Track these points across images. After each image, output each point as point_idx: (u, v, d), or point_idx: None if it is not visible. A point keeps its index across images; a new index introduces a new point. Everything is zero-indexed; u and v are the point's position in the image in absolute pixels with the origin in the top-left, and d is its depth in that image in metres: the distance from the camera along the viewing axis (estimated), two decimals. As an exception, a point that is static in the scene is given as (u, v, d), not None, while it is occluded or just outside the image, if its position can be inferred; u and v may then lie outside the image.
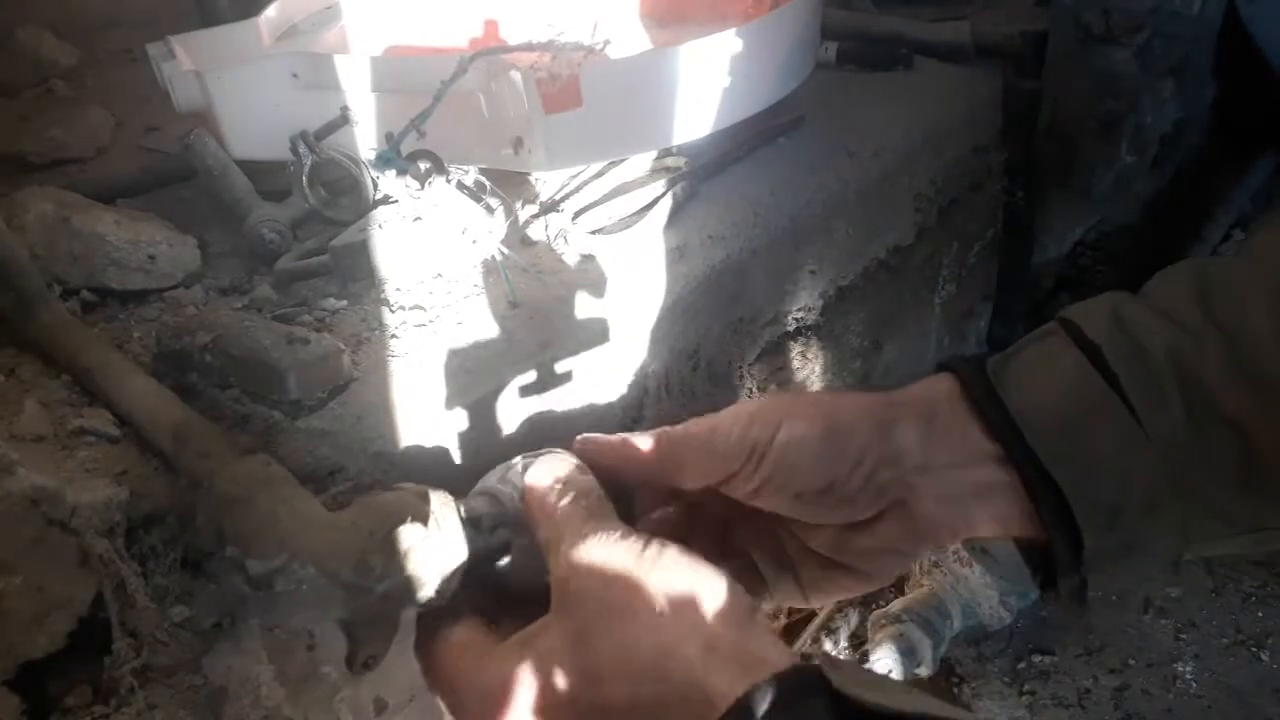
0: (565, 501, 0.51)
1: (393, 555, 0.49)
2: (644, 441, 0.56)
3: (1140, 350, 0.51)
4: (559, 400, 0.73)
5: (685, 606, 0.44)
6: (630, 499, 0.58)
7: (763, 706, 0.38)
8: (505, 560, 0.54)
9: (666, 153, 0.91)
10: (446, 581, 0.51)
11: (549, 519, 0.51)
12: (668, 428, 0.56)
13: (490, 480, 0.56)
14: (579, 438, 0.57)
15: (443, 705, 0.50)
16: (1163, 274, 0.57)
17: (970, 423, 0.53)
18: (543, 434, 0.72)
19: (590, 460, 0.55)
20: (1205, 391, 0.50)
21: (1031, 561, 0.55)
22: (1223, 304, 0.51)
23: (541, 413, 0.73)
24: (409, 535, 0.50)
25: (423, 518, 0.51)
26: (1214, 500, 0.52)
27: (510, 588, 0.54)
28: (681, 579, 0.45)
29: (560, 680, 0.45)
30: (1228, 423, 0.50)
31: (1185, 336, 0.51)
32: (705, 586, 0.45)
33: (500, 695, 0.46)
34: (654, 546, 0.46)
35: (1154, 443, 0.51)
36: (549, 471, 0.53)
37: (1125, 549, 0.52)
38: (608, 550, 0.47)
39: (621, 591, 0.45)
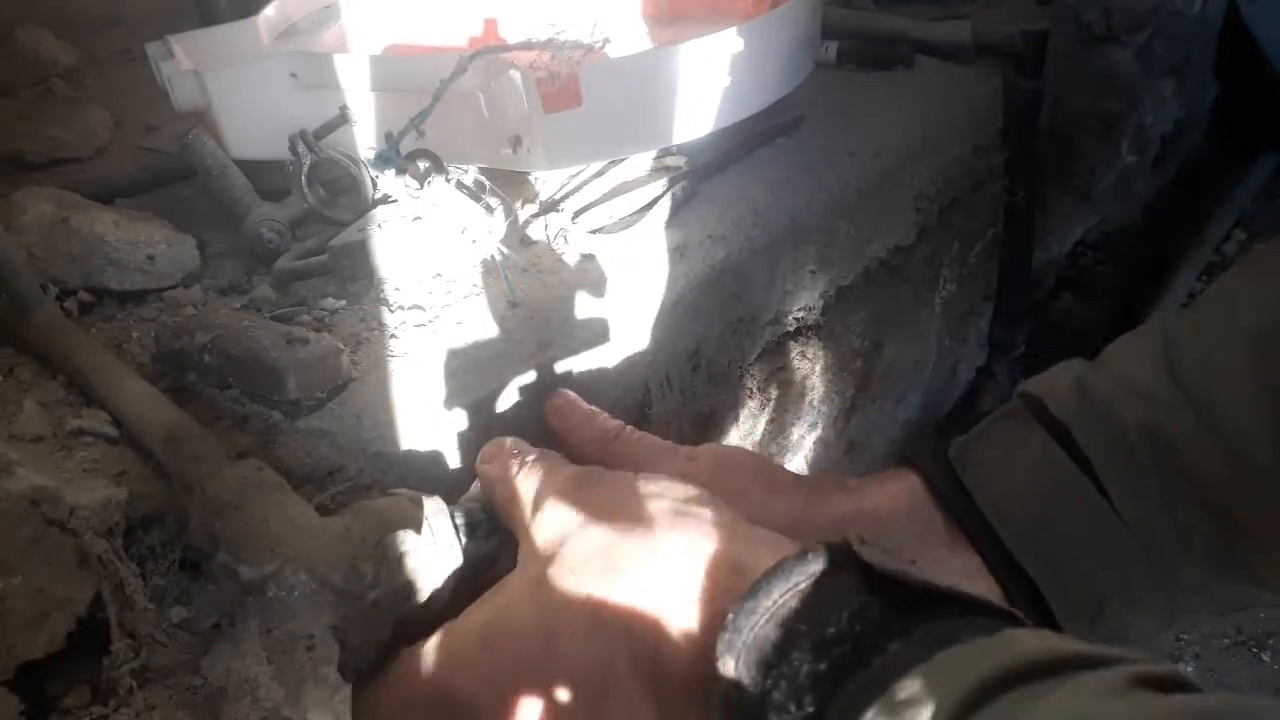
0: (534, 461, 0.51)
1: (384, 562, 0.49)
2: (608, 426, 0.55)
3: (1110, 430, 0.49)
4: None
5: (690, 504, 0.43)
6: None
7: (793, 575, 0.36)
8: (499, 567, 0.54)
9: (666, 152, 0.91)
10: (439, 589, 0.51)
11: (516, 482, 0.50)
12: (629, 429, 0.56)
13: None
14: (553, 392, 0.56)
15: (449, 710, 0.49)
16: (1124, 340, 0.54)
17: (935, 530, 0.51)
18: (542, 435, 0.72)
19: (556, 416, 0.56)
20: (1181, 470, 0.48)
21: None
22: (1193, 374, 0.49)
23: (541, 413, 0.72)
24: (401, 542, 0.50)
25: (415, 524, 0.50)
26: (1197, 582, 0.50)
27: None
28: (675, 486, 0.44)
29: (564, 593, 0.42)
30: (1206, 502, 0.48)
31: (1155, 411, 0.49)
32: (698, 492, 0.44)
33: (488, 638, 0.44)
34: (650, 475, 0.46)
35: (1132, 530, 0.49)
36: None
37: (1108, 640, 0.51)
38: (598, 473, 0.47)
39: (628, 500, 0.44)
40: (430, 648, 0.48)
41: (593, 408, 0.57)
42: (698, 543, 0.41)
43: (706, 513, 0.42)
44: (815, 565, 0.37)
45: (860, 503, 0.53)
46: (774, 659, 0.35)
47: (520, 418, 0.71)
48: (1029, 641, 0.32)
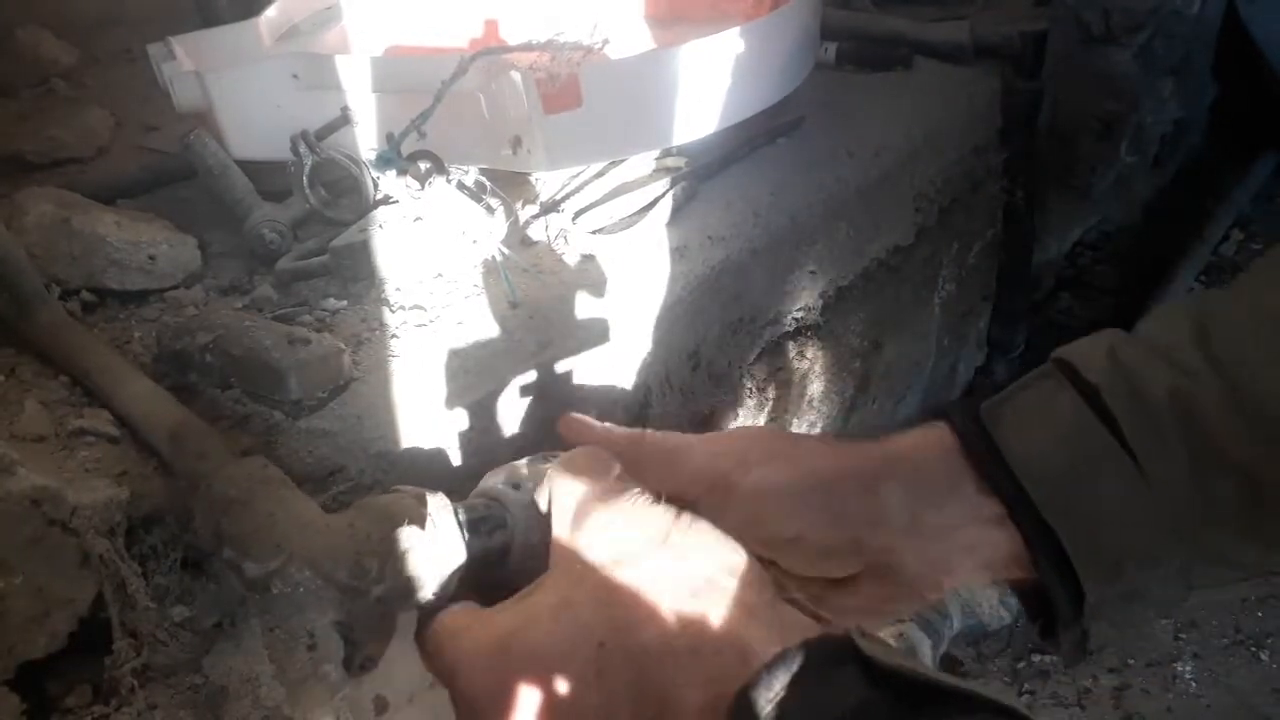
0: (590, 462, 0.50)
1: (389, 558, 0.49)
2: (621, 437, 0.55)
3: (1140, 394, 0.50)
4: (559, 400, 0.73)
5: (721, 573, 0.43)
6: None
7: (795, 665, 0.37)
8: (505, 564, 0.54)
9: (667, 153, 0.91)
10: (443, 585, 0.51)
11: (571, 478, 0.50)
12: (650, 431, 0.56)
13: (492, 482, 0.56)
14: (565, 416, 0.56)
15: (448, 691, 0.50)
16: (1158, 311, 0.55)
17: (965, 477, 0.52)
18: (543, 434, 0.72)
19: (575, 438, 0.54)
20: (1207, 436, 0.49)
21: (1029, 608, 0.54)
22: (1222, 343, 0.50)
23: (541, 413, 0.73)
24: (405, 538, 0.50)
25: (420, 520, 0.50)
26: (1217, 547, 0.51)
27: (510, 591, 0.54)
28: (716, 548, 0.45)
29: (583, 629, 0.43)
30: (1230, 468, 0.49)
31: (1185, 378, 0.50)
32: (738, 559, 0.44)
33: (505, 649, 0.45)
34: (686, 516, 0.46)
35: (1156, 492, 0.49)
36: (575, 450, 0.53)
37: (1126, 599, 0.51)
38: (644, 511, 0.46)
39: (659, 550, 0.44)
40: (456, 629, 0.49)
41: (606, 424, 0.57)
42: (711, 623, 0.42)
43: (732, 587, 0.43)
44: (819, 657, 0.38)
45: (893, 447, 0.54)
46: None
47: (521, 418, 0.71)
48: None
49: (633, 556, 0.44)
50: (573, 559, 0.46)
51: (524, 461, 0.56)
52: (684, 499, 0.50)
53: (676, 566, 0.44)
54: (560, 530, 0.48)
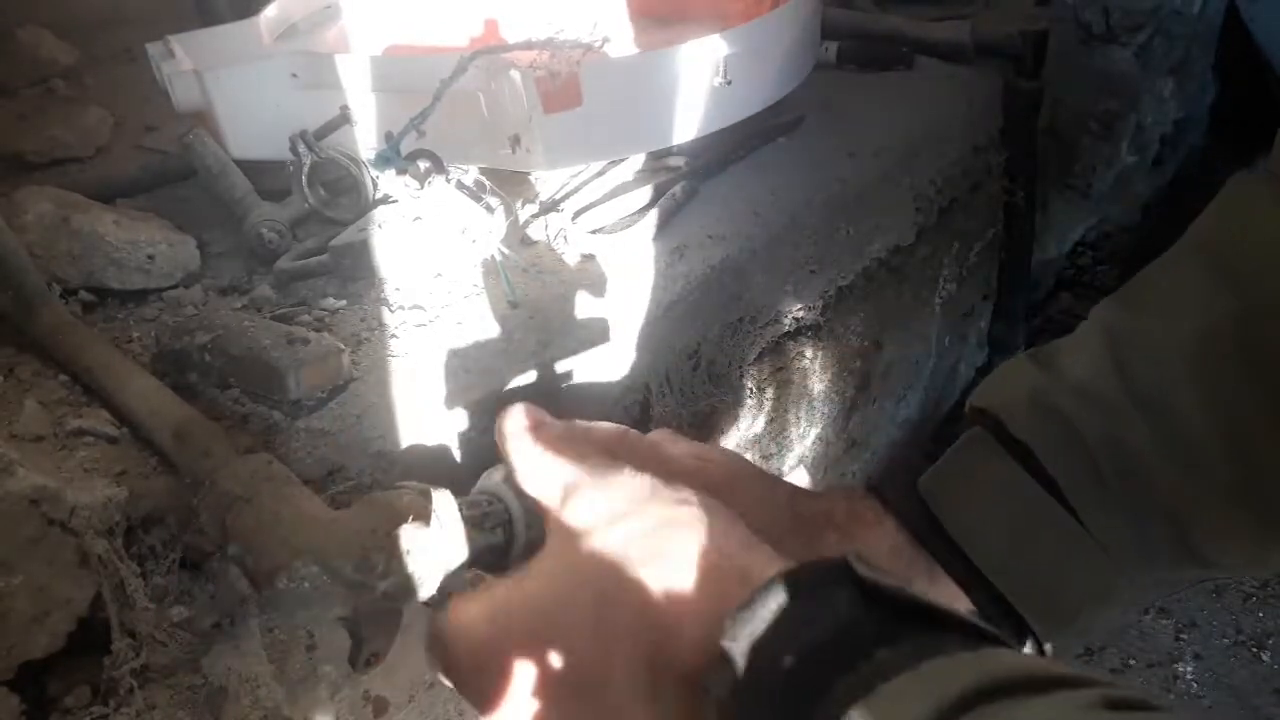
0: (575, 450, 0.51)
1: (395, 553, 0.49)
2: (610, 432, 0.56)
3: (1074, 447, 0.51)
4: (559, 400, 0.73)
5: (714, 515, 0.44)
6: None
7: (793, 586, 0.38)
8: (506, 559, 0.54)
9: (666, 152, 0.91)
10: (448, 580, 0.51)
11: (556, 464, 0.50)
12: (630, 430, 0.56)
13: (493, 478, 0.56)
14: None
15: (445, 663, 0.49)
16: (1070, 343, 0.55)
17: (917, 558, 0.53)
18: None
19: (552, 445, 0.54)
20: (1143, 480, 0.50)
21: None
22: (1142, 376, 0.50)
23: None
24: (411, 534, 0.50)
25: (425, 516, 0.51)
26: (1157, 578, 0.53)
27: None
28: (705, 499, 0.45)
29: (582, 582, 0.43)
30: (1165, 511, 0.50)
31: (1114, 422, 0.50)
32: (733, 513, 0.45)
33: (506, 606, 0.46)
34: (677, 483, 0.46)
35: (1100, 542, 0.51)
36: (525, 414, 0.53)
37: (1080, 635, 0.53)
38: (630, 479, 0.47)
39: (652, 508, 0.45)
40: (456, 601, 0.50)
41: (588, 424, 0.57)
42: (711, 551, 0.42)
43: (727, 524, 0.44)
44: (813, 578, 0.38)
45: (851, 545, 0.55)
46: (767, 661, 0.36)
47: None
48: (1012, 660, 0.34)
49: (624, 514, 0.45)
50: (566, 527, 0.47)
51: None
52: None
53: (671, 512, 0.44)
54: (551, 504, 0.49)
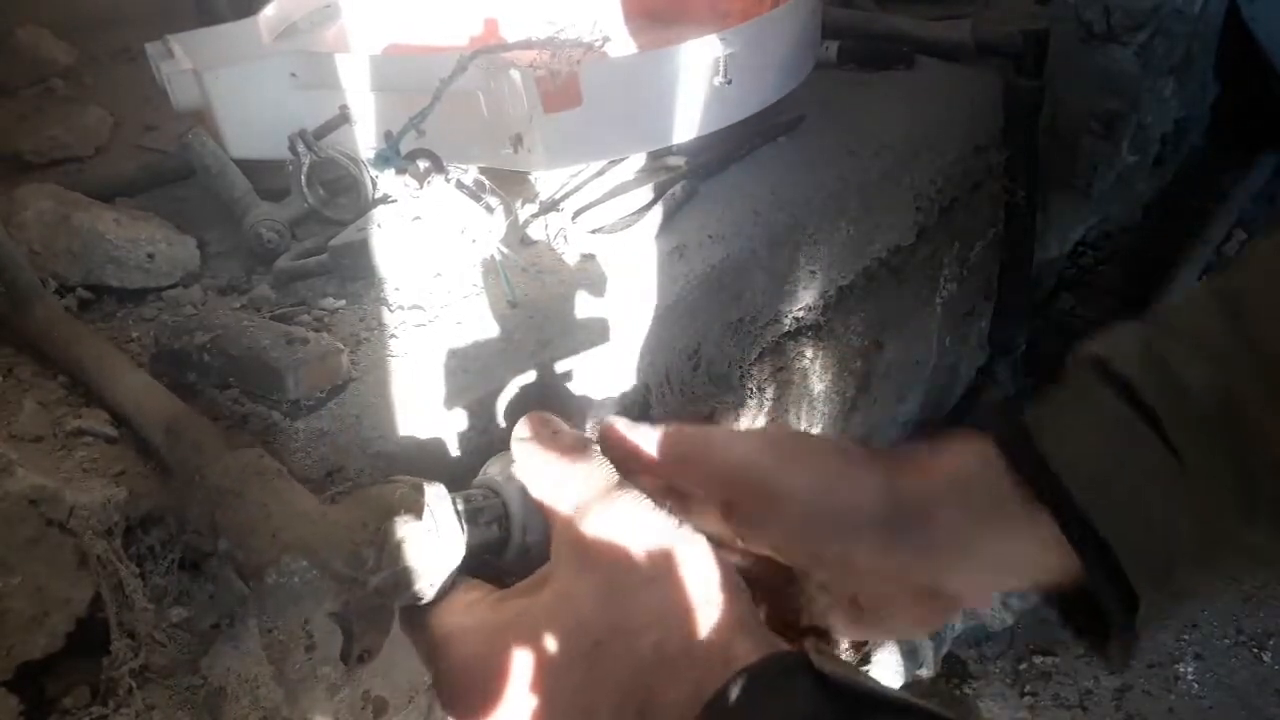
0: (588, 462, 0.51)
1: (386, 547, 0.49)
2: (653, 435, 0.55)
3: (1180, 390, 0.49)
4: (559, 400, 0.73)
5: (716, 587, 0.45)
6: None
7: (758, 676, 0.41)
8: (503, 555, 0.54)
9: (666, 152, 0.91)
10: (441, 575, 0.51)
11: (568, 473, 0.50)
12: (685, 425, 0.56)
13: (489, 472, 0.56)
14: (605, 427, 0.56)
15: (431, 659, 0.50)
16: (1183, 300, 0.54)
17: (1013, 493, 0.51)
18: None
19: (609, 443, 0.54)
20: (1250, 432, 0.48)
21: (1072, 616, 0.53)
22: (1260, 325, 0.49)
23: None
24: (403, 528, 0.49)
25: (417, 510, 0.50)
26: (1253, 545, 0.51)
27: (507, 583, 0.54)
28: (713, 561, 0.46)
29: (582, 625, 0.45)
30: (1273, 465, 0.48)
31: (1227, 373, 0.49)
32: (733, 580, 0.46)
33: (506, 628, 0.47)
34: (687, 527, 0.47)
35: (1202, 492, 0.49)
36: (540, 423, 0.53)
37: (1174, 599, 0.51)
38: (644, 515, 0.47)
39: (660, 557, 0.46)
40: (455, 602, 0.51)
41: (642, 425, 0.56)
42: (704, 633, 0.44)
43: (727, 600, 0.45)
44: (776, 670, 0.41)
45: (941, 468, 0.54)
46: None
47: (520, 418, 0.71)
48: None
49: (635, 562, 0.46)
50: (575, 555, 0.47)
51: None
52: (722, 495, 0.51)
53: (676, 577, 0.45)
54: (563, 525, 0.49)
